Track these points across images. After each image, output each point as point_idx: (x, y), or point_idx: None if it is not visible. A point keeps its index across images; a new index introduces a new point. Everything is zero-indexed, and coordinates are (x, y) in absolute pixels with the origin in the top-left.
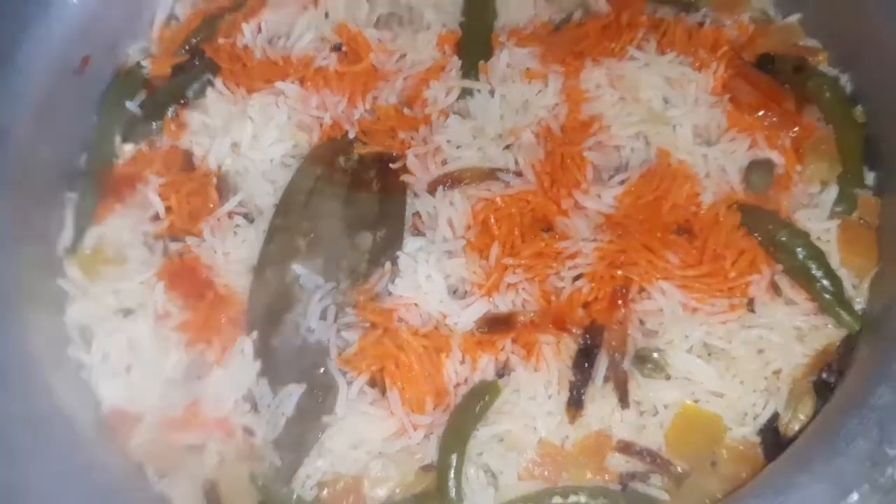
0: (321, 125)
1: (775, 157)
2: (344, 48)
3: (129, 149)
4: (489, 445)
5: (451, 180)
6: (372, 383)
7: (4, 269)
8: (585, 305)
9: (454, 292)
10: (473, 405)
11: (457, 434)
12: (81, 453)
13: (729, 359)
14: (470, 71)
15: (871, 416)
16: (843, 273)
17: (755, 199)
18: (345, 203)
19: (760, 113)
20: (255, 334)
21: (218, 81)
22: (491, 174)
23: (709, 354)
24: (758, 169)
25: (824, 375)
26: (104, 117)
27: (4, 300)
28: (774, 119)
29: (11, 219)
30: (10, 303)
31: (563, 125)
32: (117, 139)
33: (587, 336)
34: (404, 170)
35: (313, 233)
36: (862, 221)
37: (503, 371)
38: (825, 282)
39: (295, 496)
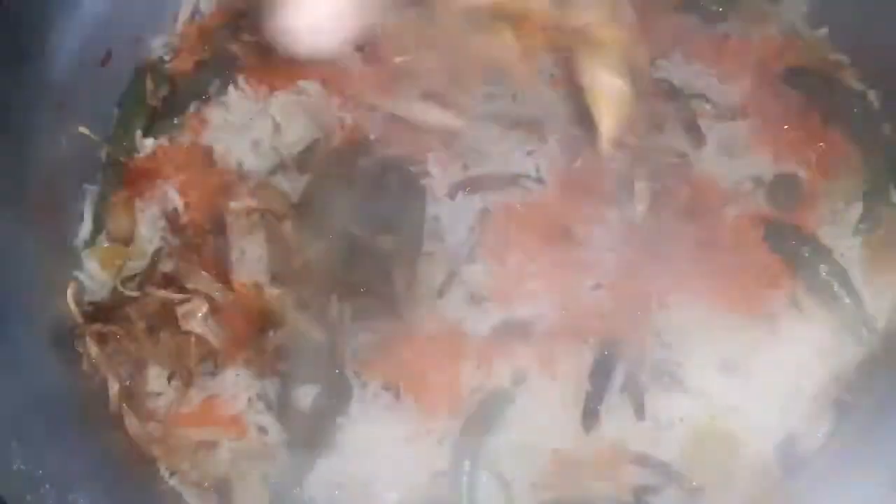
0: (342, 126)
1: (800, 171)
2: (367, 49)
3: (149, 143)
4: (502, 453)
5: (472, 185)
6: (386, 386)
7: (23, 260)
8: (604, 316)
9: (471, 298)
10: (488, 412)
11: (470, 440)
12: (95, 447)
13: (747, 374)
14: (494, 75)
15: (891, 438)
16: (865, 291)
17: (779, 214)
18: (364, 205)
19: (786, 127)
20: (270, 333)
21: (240, 79)
22: (512, 180)
23: (727, 369)
24: (782, 183)
25: (843, 394)
26: (125, 111)
27: (23, 292)
28: (800, 134)
29: (31, 210)
30: (29, 295)
31: (586, 133)
32: (138, 133)
33: (604, 346)
34: (425, 173)
35: (331, 234)
36: (887, 239)
37: (518, 379)
38: (847, 299)
39: (306, 496)
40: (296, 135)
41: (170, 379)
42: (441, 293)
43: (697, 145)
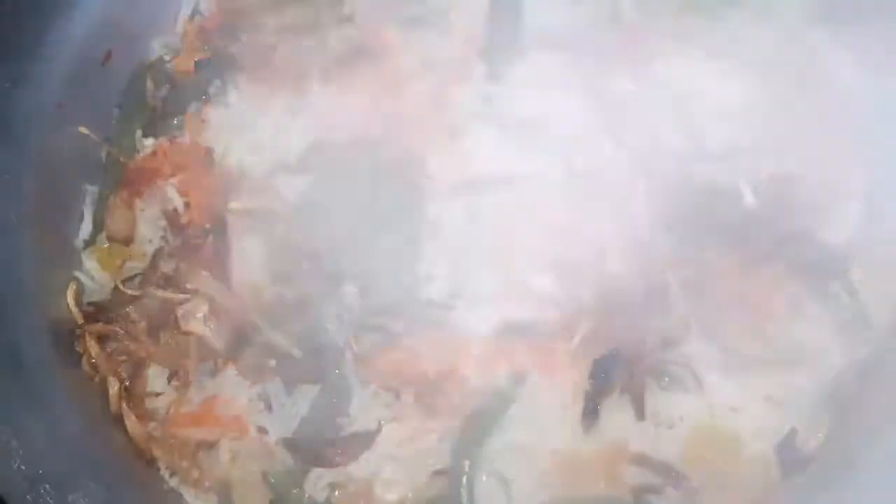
0: (342, 126)
1: (800, 171)
2: (369, 49)
3: (149, 143)
4: (502, 453)
5: (472, 185)
6: (386, 386)
7: (23, 260)
8: (604, 316)
9: (471, 298)
10: (488, 412)
11: (470, 440)
12: (95, 447)
13: (747, 374)
14: (495, 75)
15: (891, 438)
16: (865, 291)
17: (779, 215)
18: (364, 205)
19: (786, 127)
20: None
21: (240, 79)
22: (512, 180)
23: (727, 369)
24: (782, 183)
25: (843, 393)
26: (126, 111)
27: (22, 291)
28: (800, 133)
29: (31, 210)
30: (29, 295)
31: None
32: (138, 133)
33: (604, 346)
34: (426, 173)
35: (331, 233)
36: (886, 239)
37: (518, 379)
38: (847, 299)
39: (306, 496)
40: (296, 135)
41: (170, 379)
42: (442, 293)
43: (697, 146)
